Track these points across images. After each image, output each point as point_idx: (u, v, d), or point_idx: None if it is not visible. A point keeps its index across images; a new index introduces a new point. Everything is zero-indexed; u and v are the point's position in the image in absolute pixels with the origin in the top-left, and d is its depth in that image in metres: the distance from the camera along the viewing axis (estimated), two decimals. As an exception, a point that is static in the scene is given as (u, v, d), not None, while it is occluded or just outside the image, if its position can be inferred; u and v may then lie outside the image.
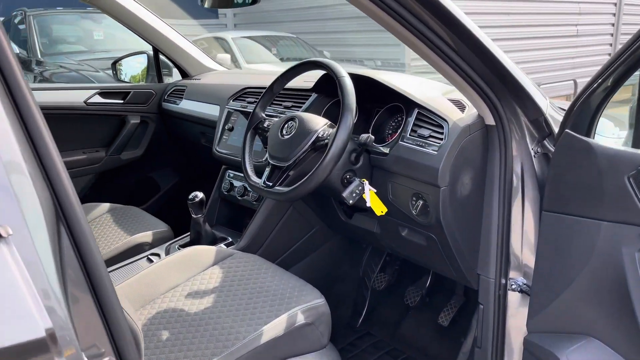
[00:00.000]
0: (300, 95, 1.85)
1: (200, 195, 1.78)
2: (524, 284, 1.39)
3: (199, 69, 2.51)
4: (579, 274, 1.16)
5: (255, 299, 1.43)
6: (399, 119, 1.61)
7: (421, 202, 1.41)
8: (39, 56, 6.07)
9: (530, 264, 1.35)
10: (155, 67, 2.52)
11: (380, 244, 1.77)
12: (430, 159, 1.35)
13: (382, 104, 1.64)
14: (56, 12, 6.89)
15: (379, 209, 1.46)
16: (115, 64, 2.62)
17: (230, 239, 1.89)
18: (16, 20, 7.00)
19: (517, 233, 1.38)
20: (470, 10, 7.99)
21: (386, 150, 1.50)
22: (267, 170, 1.50)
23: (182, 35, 2.45)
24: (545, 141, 1.36)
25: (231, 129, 2.00)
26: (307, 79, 1.82)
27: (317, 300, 1.41)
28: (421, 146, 1.40)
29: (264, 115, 1.64)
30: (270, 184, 1.47)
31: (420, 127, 1.44)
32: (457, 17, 1.13)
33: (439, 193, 1.34)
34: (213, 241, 1.85)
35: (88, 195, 2.40)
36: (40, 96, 2.24)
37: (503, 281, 1.39)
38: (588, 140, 1.12)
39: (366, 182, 1.45)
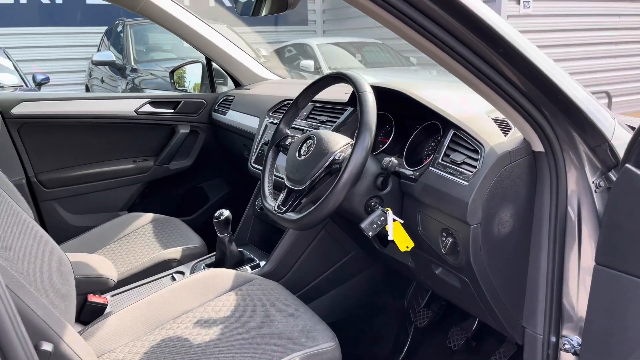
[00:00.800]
0: (336, 109, 1.70)
1: (226, 213, 1.68)
2: (580, 345, 1.14)
3: (251, 79, 2.43)
4: (637, 349, 0.90)
5: (262, 335, 1.31)
6: (438, 139, 1.41)
7: (450, 240, 1.21)
8: (133, 63, 6.41)
9: None
10: (208, 76, 2.48)
11: (416, 279, 1.57)
12: (459, 191, 1.14)
13: (421, 122, 1.45)
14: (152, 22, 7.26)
15: (404, 243, 1.27)
16: (172, 72, 2.62)
17: (258, 261, 1.78)
18: (118, 29, 7.49)
19: (573, 282, 1.13)
20: (578, 11, 7.36)
21: (416, 175, 1.30)
22: (283, 193, 1.37)
23: (234, 43, 2.39)
24: (610, 173, 1.11)
25: (267, 143, 1.89)
26: (349, 91, 1.66)
27: (324, 345, 1.25)
28: (452, 174, 1.19)
29: (288, 132, 1.51)
30: (284, 208, 1.33)
31: (455, 151, 1.24)
32: (483, 19, 0.92)
33: (469, 231, 1.13)
34: (239, 262, 1.75)
35: (136, 205, 2.41)
36: (93, 106, 2.27)
37: (553, 339, 1.15)
38: None
39: (390, 211, 1.27)
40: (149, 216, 2.06)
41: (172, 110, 2.38)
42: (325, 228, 1.72)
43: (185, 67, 2.62)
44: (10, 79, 6.17)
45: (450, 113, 1.29)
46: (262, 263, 1.75)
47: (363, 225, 1.26)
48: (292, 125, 1.76)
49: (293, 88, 2.20)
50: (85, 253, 1.62)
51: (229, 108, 2.31)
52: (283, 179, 1.50)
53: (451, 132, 1.27)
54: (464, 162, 1.19)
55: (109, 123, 2.26)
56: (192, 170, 2.48)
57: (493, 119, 1.26)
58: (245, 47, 6.45)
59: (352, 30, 9.39)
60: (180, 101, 2.39)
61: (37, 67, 7.81)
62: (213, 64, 2.45)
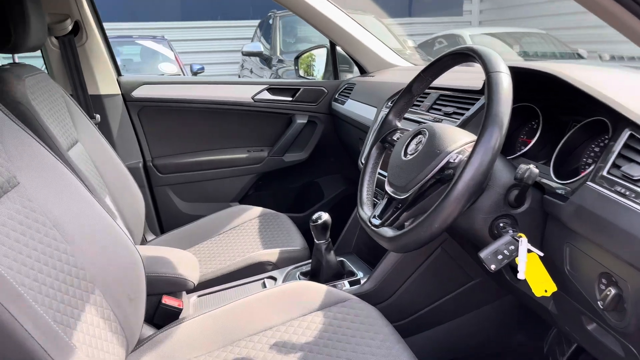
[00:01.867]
0: (466, 98, 1.36)
1: (324, 216, 1.45)
2: None
3: (377, 65, 2.16)
4: None
5: None
6: (605, 142, 1.01)
7: (613, 291, 0.82)
8: (279, 54, 6.52)
9: None
10: (332, 62, 2.27)
11: (559, 328, 1.18)
12: (633, 222, 0.75)
13: (582, 118, 1.06)
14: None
15: (541, 286, 0.91)
16: (297, 59, 2.46)
17: (359, 276, 1.51)
18: (269, 21, 7.70)
19: None
20: None
21: (567, 191, 0.93)
22: (383, 200, 1.09)
23: (364, 27, 2.14)
24: None
25: (383, 138, 1.61)
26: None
27: None
28: (623, 195, 0.80)
29: (398, 124, 1.22)
30: (379, 220, 1.05)
31: (630, 161, 0.84)
32: None
33: (645, 284, 0.74)
34: (337, 274, 1.51)
35: (248, 196, 2.29)
36: (211, 91, 2.19)
37: None
38: None
39: (523, 238, 0.92)
40: (257, 210, 1.91)
41: (290, 98, 2.21)
42: (443, 246, 1.39)
43: (311, 53, 2.44)
44: (171, 68, 6.67)
45: (626, 105, 0.89)
46: (364, 279, 1.49)
47: (483, 254, 0.92)
48: (409, 117, 1.46)
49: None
50: (174, 248, 1.50)
51: (348, 97, 2.07)
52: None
53: (626, 134, 0.87)
54: None
55: (225, 109, 2.16)
56: (307, 164, 2.29)
57: (698, 116, 0.83)
58: (390, 37, 6.18)
59: (512, 20, 8.60)
60: (299, 89, 2.21)
61: (184, 58, 8.36)
62: (338, 49, 2.22)
